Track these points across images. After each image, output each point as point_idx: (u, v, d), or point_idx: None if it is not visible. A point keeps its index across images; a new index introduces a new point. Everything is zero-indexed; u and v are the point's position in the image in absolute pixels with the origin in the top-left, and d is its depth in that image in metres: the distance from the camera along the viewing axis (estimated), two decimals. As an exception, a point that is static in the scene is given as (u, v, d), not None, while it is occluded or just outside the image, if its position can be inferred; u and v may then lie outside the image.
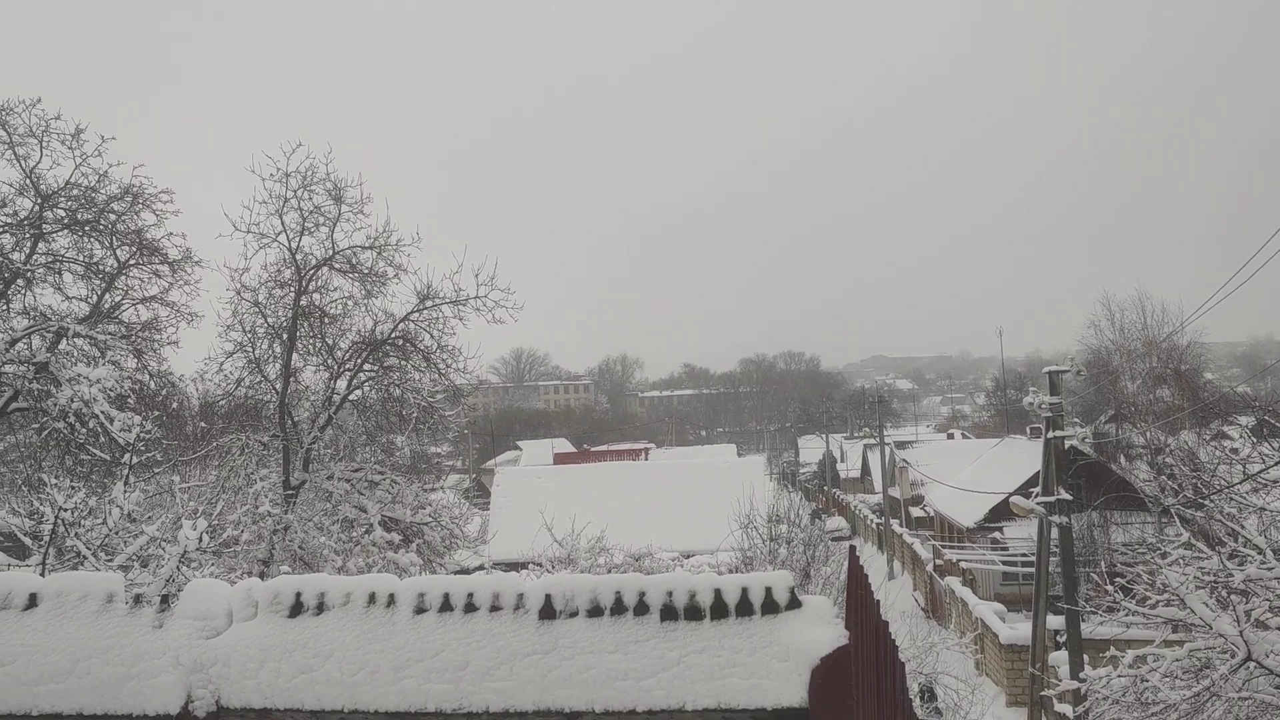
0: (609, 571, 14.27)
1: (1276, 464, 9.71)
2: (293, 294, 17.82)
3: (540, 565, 16.37)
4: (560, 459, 58.61)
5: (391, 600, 4.20)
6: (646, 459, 56.16)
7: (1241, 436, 27.14)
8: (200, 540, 8.59)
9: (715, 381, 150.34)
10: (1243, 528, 9.85)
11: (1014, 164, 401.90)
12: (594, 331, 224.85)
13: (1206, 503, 12.10)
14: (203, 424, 20.10)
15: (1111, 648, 10.43)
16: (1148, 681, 9.28)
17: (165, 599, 4.16)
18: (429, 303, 18.34)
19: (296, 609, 4.19)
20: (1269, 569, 8.73)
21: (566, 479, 38.03)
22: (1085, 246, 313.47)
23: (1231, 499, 10.98)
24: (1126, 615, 10.41)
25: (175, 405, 19.46)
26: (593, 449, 72.52)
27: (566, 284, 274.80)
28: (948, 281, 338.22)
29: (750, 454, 69.03)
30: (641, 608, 4.20)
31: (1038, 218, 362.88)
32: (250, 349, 17.95)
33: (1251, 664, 8.03)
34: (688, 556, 20.61)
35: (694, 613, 4.20)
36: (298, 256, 17.85)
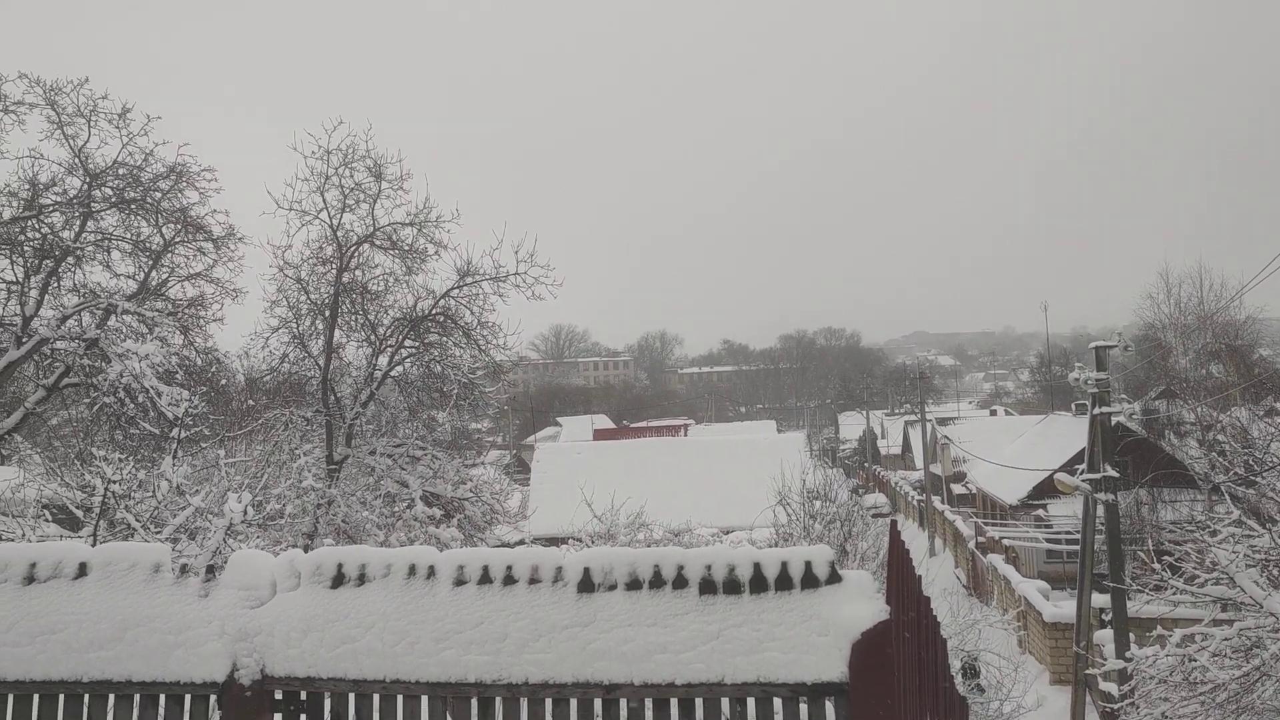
0: (648, 547, 14.31)
1: (1332, 440, 9.49)
2: (335, 270, 17.97)
3: (580, 540, 16.44)
4: (600, 435, 58.81)
5: (431, 572, 4.23)
6: (686, 435, 56.14)
7: (1295, 413, 26.57)
8: (245, 513, 8.72)
9: (754, 358, 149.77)
10: (1295, 505, 9.65)
11: (1060, 134, 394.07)
12: (633, 308, 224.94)
13: (1258, 480, 11.86)
14: (248, 400, 20.40)
15: (1158, 626, 10.29)
16: (1196, 661, 9.15)
17: (210, 569, 4.22)
18: (469, 279, 18.41)
19: (339, 580, 4.24)
20: (1323, 547, 8.55)
21: (606, 455, 38.13)
22: (1135, 220, 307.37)
23: (1284, 476, 10.75)
24: (1174, 594, 10.26)
25: (222, 381, 19.76)
26: (632, 425, 72.65)
27: (607, 262, 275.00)
28: (991, 256, 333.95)
29: (790, 430, 68.77)
30: (680, 581, 4.19)
31: (1084, 190, 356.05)
32: (294, 325, 18.16)
33: (1303, 644, 7.87)
34: (727, 533, 20.58)
35: (733, 586, 4.18)
36: (339, 233, 17.99)
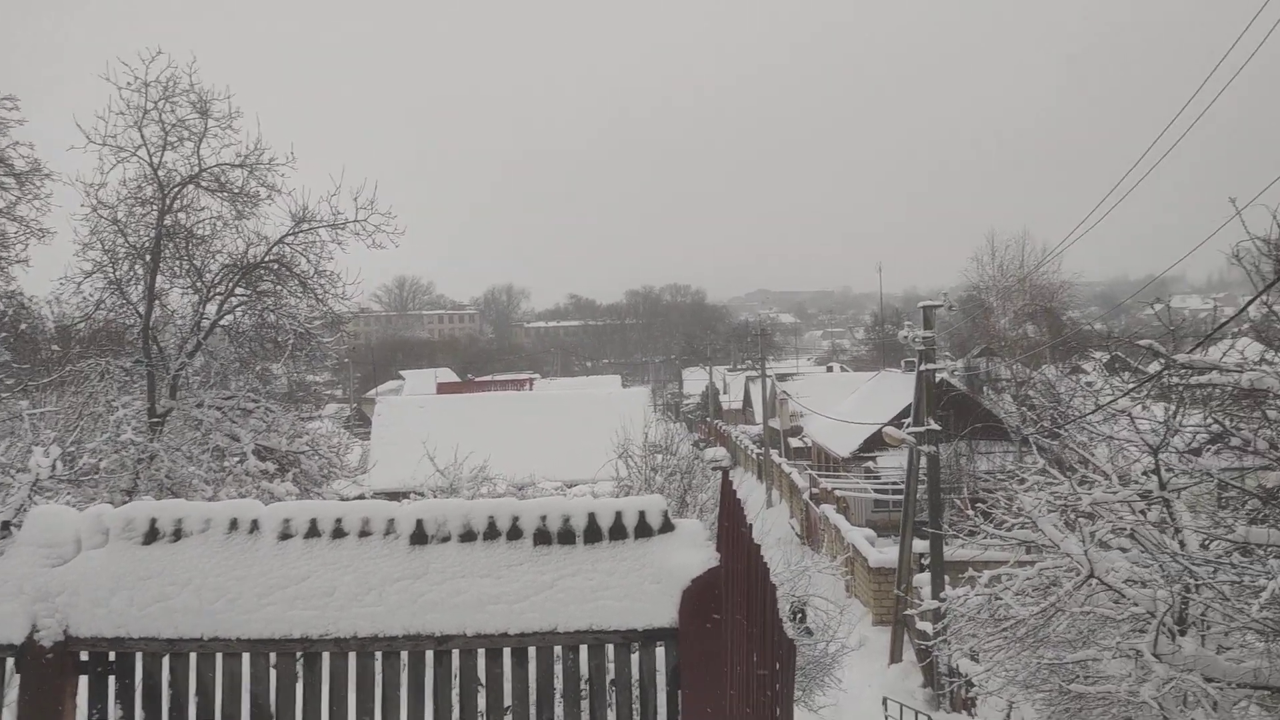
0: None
1: (1124, 395, 10.28)
2: (156, 212, 16.89)
3: (421, 495, 16.22)
4: (444, 389, 57.93)
5: (255, 526, 4.08)
6: (531, 389, 55.99)
7: (1096, 370, 28.68)
8: (54, 467, 8.17)
9: (601, 313, 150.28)
10: (1093, 455, 10.43)
11: (905, 115, 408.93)
12: (480, 261, 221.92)
13: (1062, 432, 12.75)
14: (57, 348, 19.05)
15: (970, 569, 10.97)
16: (1001, 599, 9.82)
17: (5, 525, 3.95)
18: (305, 225, 17.65)
19: (151, 535, 4.04)
20: (1113, 493, 9.28)
21: (450, 409, 37.64)
22: (967, 190, 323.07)
23: (1084, 429, 11.60)
24: (985, 538, 10.93)
25: (24, 327, 18.38)
26: (477, 379, 71.86)
27: (453, 212, 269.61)
28: (832, 219, 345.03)
29: (635, 385, 69.55)
30: (515, 532, 4.19)
31: (922, 162, 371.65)
32: (110, 270, 17.00)
33: (1094, 581, 8.55)
34: (571, 486, 20.73)
35: (567, 537, 4.21)
36: (160, 173, 16.89)
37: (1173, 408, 9.17)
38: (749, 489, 45.92)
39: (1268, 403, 7.90)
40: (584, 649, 4.11)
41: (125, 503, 13.19)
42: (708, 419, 74.48)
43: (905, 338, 21.94)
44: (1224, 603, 7.85)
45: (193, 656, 3.90)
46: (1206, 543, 8.58)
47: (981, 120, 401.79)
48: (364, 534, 4.13)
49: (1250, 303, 8.39)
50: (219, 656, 3.91)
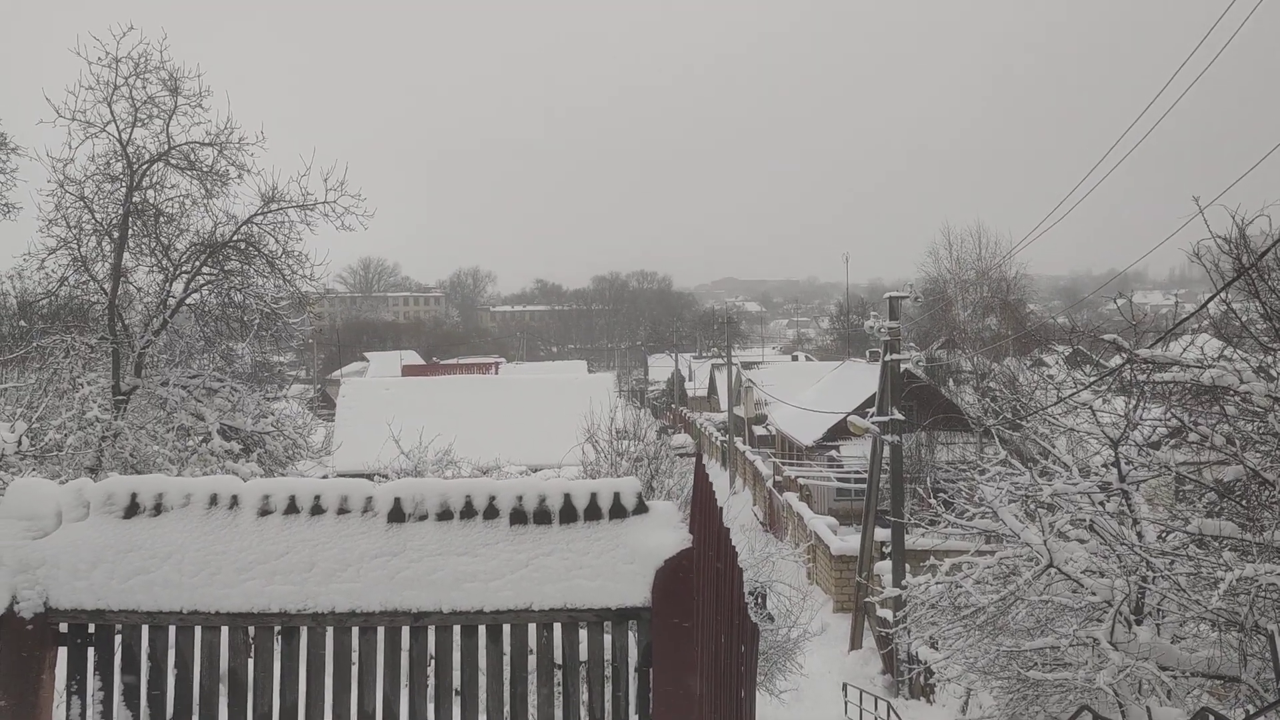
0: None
1: (1085, 388, 10.50)
2: (124, 189, 16.70)
3: (385, 477, 16.20)
4: (409, 371, 57.65)
5: (235, 502, 4.11)
6: (497, 374, 55.87)
7: (1057, 363, 29.14)
8: (20, 443, 8.10)
9: (568, 298, 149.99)
10: (1053, 447, 10.64)
11: (872, 105, 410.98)
12: (446, 244, 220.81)
13: (1023, 424, 12.99)
14: (21, 323, 18.78)
15: (931, 557, 11.16)
16: (961, 587, 10.00)
17: (-24, 499, 3.95)
18: (274, 205, 17.53)
19: (132, 510, 4.06)
20: (1073, 484, 9.49)
21: (415, 391, 37.47)
22: (933, 182, 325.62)
23: (1045, 420, 11.82)
24: (946, 527, 11.13)
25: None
26: (442, 362, 71.54)
27: (420, 193, 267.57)
28: (798, 208, 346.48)
29: (601, 371, 69.59)
30: (491, 512, 4.25)
31: (889, 152, 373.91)
32: (76, 246, 16.79)
33: (1052, 570, 8.75)
34: (536, 470, 20.78)
35: (543, 517, 4.28)
36: (129, 149, 16.69)
37: (1133, 402, 9.38)
38: (713, 476, 46.00)
39: (1226, 399, 8.11)
40: (558, 627, 4.18)
41: (91, 480, 13.05)
42: (673, 406, 74.70)
43: (871, 328, 22.20)
44: (1180, 593, 8.07)
45: (172, 629, 3.93)
46: (1164, 535, 8.80)
47: (947, 111, 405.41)
48: (342, 511, 4.17)
49: (1210, 300, 8.61)
50: (198, 630, 3.94)
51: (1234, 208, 8.04)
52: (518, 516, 4.26)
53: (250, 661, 3.96)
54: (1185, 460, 8.85)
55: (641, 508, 4.37)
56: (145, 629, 3.93)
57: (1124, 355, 8.54)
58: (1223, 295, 8.36)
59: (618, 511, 4.32)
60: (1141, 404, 9.39)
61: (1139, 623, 8.67)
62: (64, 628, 3.92)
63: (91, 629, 3.95)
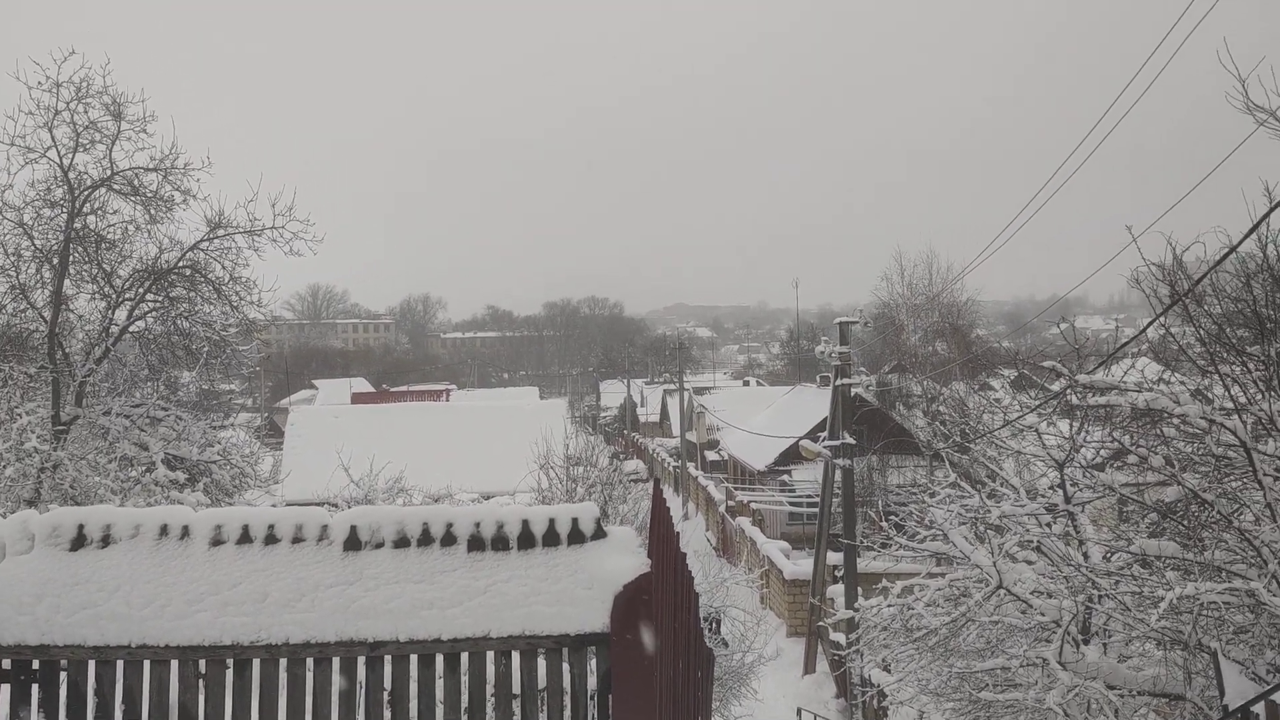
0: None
1: (1031, 412, 10.70)
2: (65, 215, 16.38)
3: (335, 505, 15.96)
4: (358, 399, 57.01)
5: (185, 532, 4.04)
6: (448, 400, 55.44)
7: (1003, 387, 29.65)
8: (-43, 476, 7.88)
9: (519, 324, 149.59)
10: (1001, 469, 10.82)
11: (821, 135, 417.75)
12: (396, 270, 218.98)
13: (971, 447, 13.18)
14: (-43, 352, 18.27)
15: (884, 580, 11.24)
16: (913, 609, 10.09)
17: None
18: (221, 231, 17.28)
19: (79, 542, 3.97)
20: (1021, 506, 9.65)
21: (365, 419, 37.09)
22: (879, 210, 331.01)
23: (993, 443, 12.02)
24: (898, 550, 11.23)
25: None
26: (392, 389, 70.82)
27: (369, 221, 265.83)
28: (749, 234, 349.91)
29: (553, 397, 69.34)
30: (449, 539, 4.23)
31: (836, 181, 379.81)
32: (14, 273, 16.41)
33: (1002, 591, 8.86)
34: (488, 498, 20.60)
35: (501, 543, 4.26)
36: (70, 175, 16.38)
37: (1077, 424, 9.58)
38: (666, 502, 46.06)
39: (1165, 421, 8.31)
40: (516, 654, 4.16)
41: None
42: (625, 432, 74.61)
43: (822, 353, 22.40)
44: (1125, 613, 8.22)
45: (120, 664, 3.84)
46: (1109, 555, 8.97)
47: (898, 140, 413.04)
48: (297, 540, 4.12)
49: (1149, 325, 8.84)
50: (145, 664, 3.86)
51: (1169, 234, 8.29)
52: (475, 543, 4.24)
53: (201, 696, 3.88)
54: (1128, 482, 9.04)
55: (600, 533, 4.38)
56: (91, 664, 3.84)
57: (1065, 380, 8.72)
58: (1161, 320, 8.59)
59: (576, 537, 4.32)
60: (1085, 427, 9.58)
61: (1086, 642, 8.81)
62: (7, 664, 3.81)
63: (36, 665, 3.85)
